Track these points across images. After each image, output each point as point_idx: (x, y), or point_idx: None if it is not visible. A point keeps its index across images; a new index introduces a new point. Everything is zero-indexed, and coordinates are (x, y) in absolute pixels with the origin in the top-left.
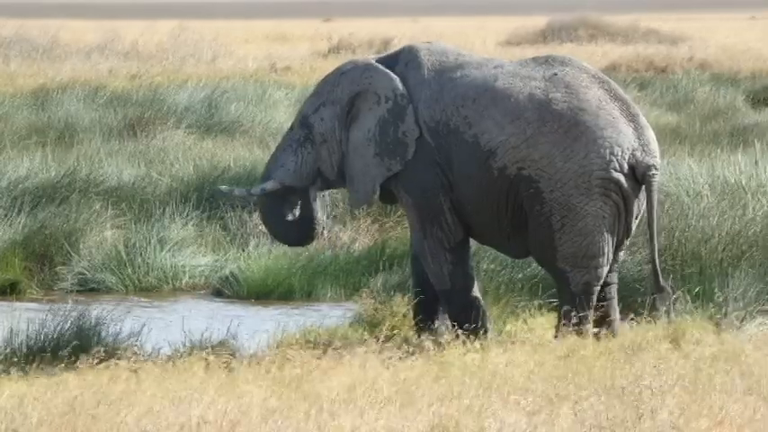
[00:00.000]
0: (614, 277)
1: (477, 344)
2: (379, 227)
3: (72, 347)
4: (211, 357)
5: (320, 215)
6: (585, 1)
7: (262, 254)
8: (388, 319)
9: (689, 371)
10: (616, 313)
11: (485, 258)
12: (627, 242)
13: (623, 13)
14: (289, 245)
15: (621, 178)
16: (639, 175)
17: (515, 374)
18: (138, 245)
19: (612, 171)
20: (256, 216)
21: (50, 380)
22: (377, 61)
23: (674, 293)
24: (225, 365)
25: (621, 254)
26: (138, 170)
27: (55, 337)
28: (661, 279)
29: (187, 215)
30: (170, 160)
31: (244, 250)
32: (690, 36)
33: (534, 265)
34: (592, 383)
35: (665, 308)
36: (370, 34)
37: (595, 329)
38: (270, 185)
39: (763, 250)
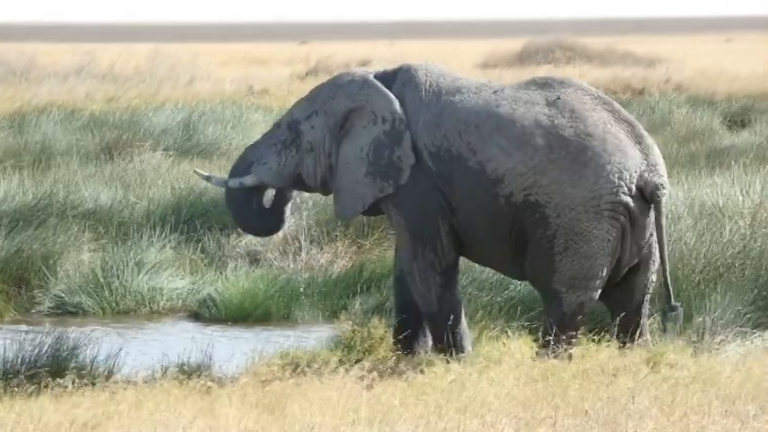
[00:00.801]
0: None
1: (457, 366)
2: (357, 249)
3: (49, 371)
4: (189, 380)
5: (289, 210)
6: (561, 24)
7: (239, 276)
8: (366, 342)
9: (666, 393)
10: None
11: (463, 280)
12: (636, 261)
13: (599, 36)
14: (255, 235)
15: (630, 201)
16: (648, 195)
17: (493, 396)
18: (115, 268)
19: (622, 195)
20: (234, 239)
21: (26, 404)
22: (374, 77)
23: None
24: (202, 388)
25: (652, 276)
26: (116, 193)
27: (32, 360)
28: (673, 298)
29: (165, 238)
30: (147, 183)
31: (221, 273)
32: (666, 58)
33: (513, 287)
34: (569, 406)
35: (677, 326)
36: (347, 57)
37: (623, 342)
38: (249, 181)
39: (740, 272)
